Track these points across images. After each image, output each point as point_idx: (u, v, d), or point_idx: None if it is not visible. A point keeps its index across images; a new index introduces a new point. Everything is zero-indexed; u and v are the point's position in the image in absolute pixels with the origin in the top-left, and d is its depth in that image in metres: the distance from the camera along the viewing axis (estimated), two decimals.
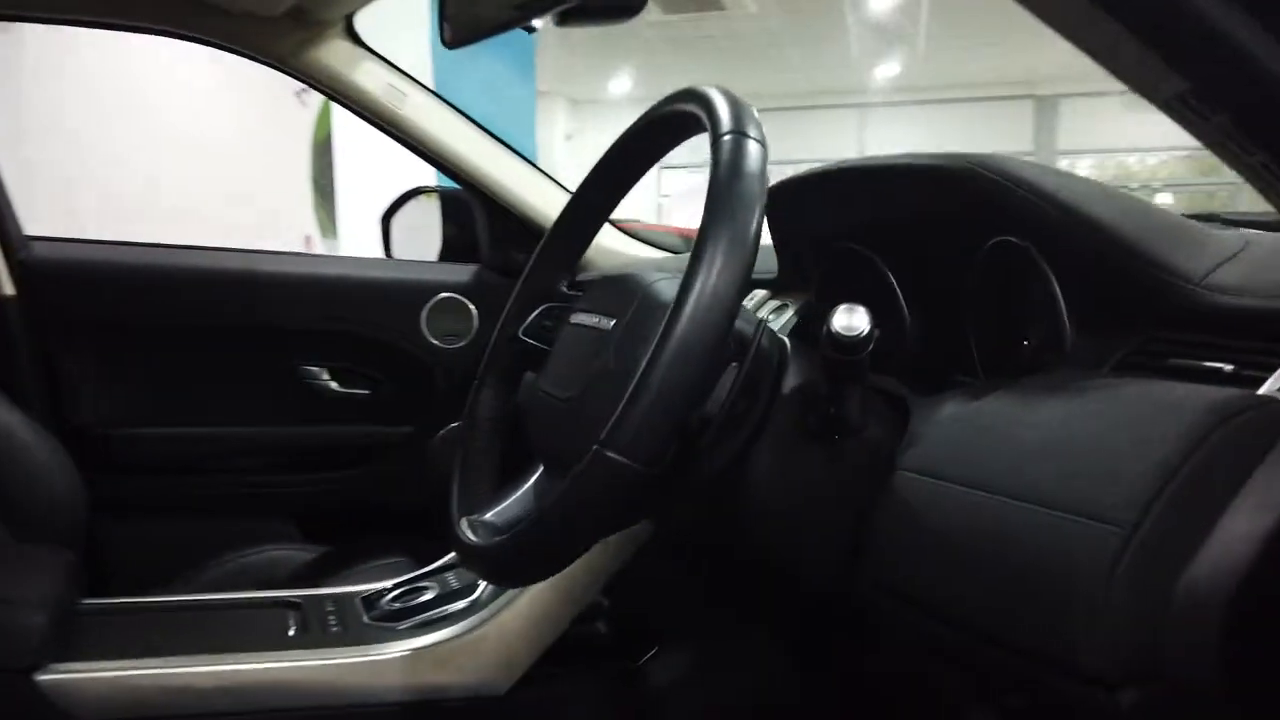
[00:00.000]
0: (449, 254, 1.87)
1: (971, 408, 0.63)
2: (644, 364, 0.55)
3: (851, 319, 0.57)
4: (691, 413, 0.59)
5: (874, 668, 0.90)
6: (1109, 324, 0.65)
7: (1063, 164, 10.82)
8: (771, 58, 9.38)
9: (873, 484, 0.66)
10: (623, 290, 0.70)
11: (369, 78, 1.56)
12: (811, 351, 0.69)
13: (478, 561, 0.68)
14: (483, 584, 1.07)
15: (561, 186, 1.75)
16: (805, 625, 0.93)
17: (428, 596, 1.08)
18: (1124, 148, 10.93)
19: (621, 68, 10.39)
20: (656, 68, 10.19)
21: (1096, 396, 0.58)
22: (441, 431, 1.75)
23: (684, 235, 1.90)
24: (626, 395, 0.55)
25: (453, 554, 1.19)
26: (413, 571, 1.37)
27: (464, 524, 0.73)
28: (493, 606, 1.01)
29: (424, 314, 1.70)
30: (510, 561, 0.63)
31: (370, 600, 1.11)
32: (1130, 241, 0.62)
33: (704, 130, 0.66)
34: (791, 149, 10.89)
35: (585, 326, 0.72)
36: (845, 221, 0.88)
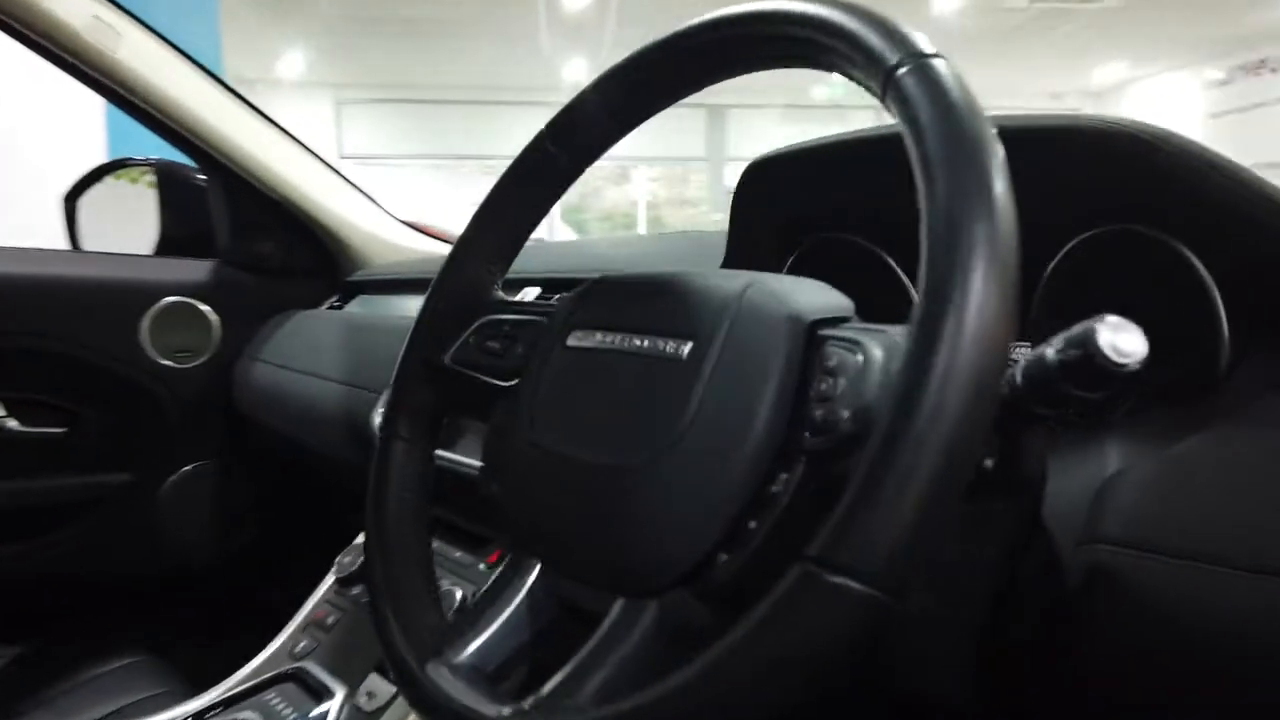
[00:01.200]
0: (171, 246, 1.46)
1: (1170, 457, 0.48)
2: (883, 427, 0.33)
3: (1133, 341, 0.38)
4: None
5: None
6: (1274, 338, 0.53)
7: (730, 170, 11.61)
8: (461, 49, 9.05)
9: (1033, 561, 0.49)
10: (688, 299, 0.47)
11: (67, 6, 1.14)
12: None
13: None
14: (332, 708, 0.76)
15: (326, 164, 1.42)
16: None
17: None
18: None
19: (294, 47, 9.49)
20: (334, 50, 9.44)
21: None
22: (173, 477, 1.36)
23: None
24: (858, 482, 0.33)
25: (259, 663, 0.86)
26: (155, 671, 1.02)
27: (434, 673, 0.46)
28: None
29: (144, 324, 1.30)
30: None
31: None
32: None
33: (812, 64, 0.45)
34: (475, 144, 10.74)
35: (619, 353, 0.48)
36: (848, 205, 0.71)
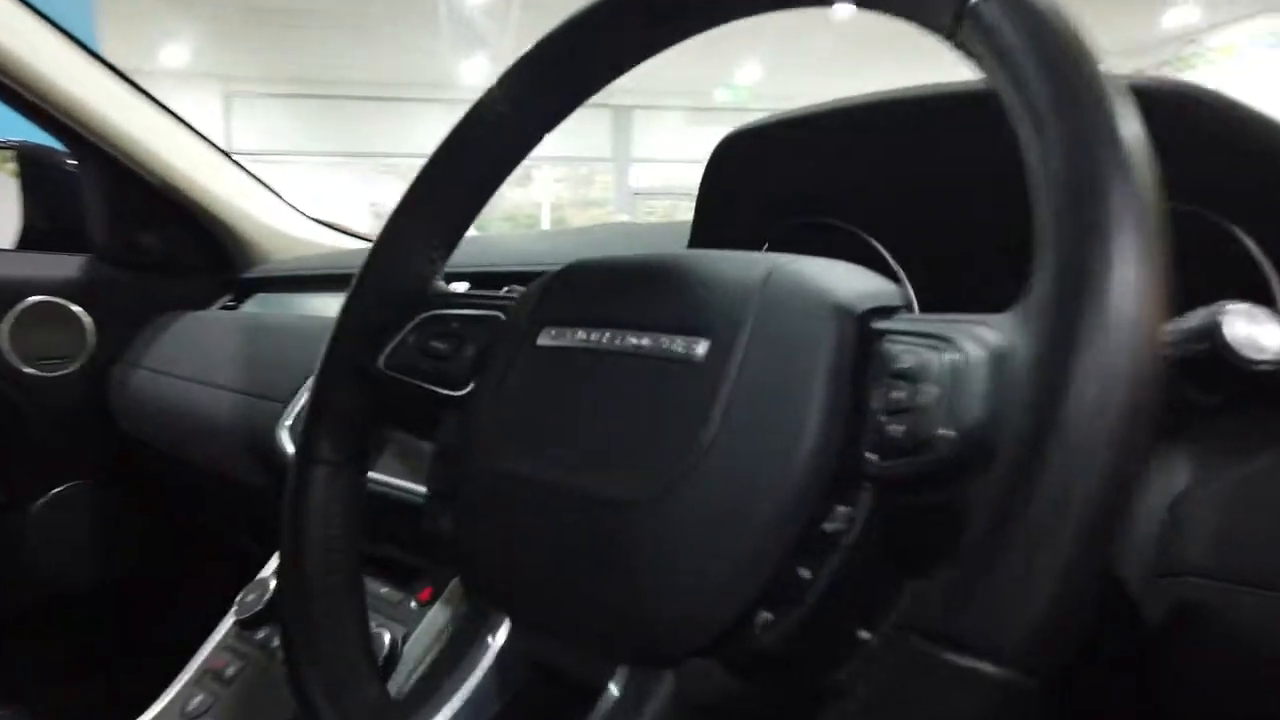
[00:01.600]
0: (36, 240, 1.29)
1: (1249, 474, 0.41)
2: (1016, 451, 0.25)
3: (1274, 334, 0.31)
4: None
5: None
6: None
7: (635, 172, 11.58)
8: (360, 40, 8.75)
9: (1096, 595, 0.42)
10: (695, 286, 0.38)
11: None
12: None
13: None
14: None
15: (216, 148, 1.28)
16: None
17: None
18: (687, 158, 11.90)
19: (179, 36, 9.01)
20: (222, 39, 9.01)
21: None
22: (43, 500, 1.20)
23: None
24: (985, 526, 0.25)
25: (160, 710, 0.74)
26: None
27: None
28: None
29: (3, 327, 1.15)
30: None
31: None
32: None
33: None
34: (373, 140, 10.39)
35: (610, 354, 0.38)
36: (836, 185, 0.63)
